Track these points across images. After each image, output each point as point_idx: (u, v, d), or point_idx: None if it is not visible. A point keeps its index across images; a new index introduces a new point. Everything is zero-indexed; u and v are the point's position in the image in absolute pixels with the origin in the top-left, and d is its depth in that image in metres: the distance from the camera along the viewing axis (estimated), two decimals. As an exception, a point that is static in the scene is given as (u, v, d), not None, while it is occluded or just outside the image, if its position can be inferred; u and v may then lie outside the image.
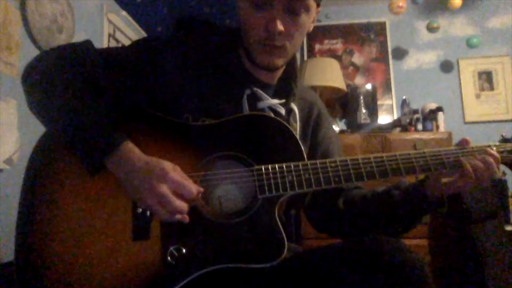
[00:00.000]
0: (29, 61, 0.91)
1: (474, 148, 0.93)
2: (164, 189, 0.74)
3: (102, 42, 2.75)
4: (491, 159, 0.89)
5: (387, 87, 3.58)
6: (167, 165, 0.76)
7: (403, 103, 3.36)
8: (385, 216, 0.97)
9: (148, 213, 0.81)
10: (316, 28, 3.62)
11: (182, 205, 0.75)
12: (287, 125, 0.89)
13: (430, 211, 0.96)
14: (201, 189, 0.80)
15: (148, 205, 0.75)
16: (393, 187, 0.98)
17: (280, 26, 0.85)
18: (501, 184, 2.73)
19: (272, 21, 0.85)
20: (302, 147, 0.88)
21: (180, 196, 0.76)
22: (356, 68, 3.65)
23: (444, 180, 0.91)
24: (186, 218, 0.77)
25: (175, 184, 0.75)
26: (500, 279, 2.25)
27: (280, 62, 0.92)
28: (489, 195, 2.48)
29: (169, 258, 0.79)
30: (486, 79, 3.50)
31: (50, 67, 0.88)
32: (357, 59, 3.66)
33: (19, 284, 0.78)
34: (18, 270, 0.79)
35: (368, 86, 3.28)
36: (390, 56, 3.63)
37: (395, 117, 3.47)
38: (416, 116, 3.19)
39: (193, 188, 0.77)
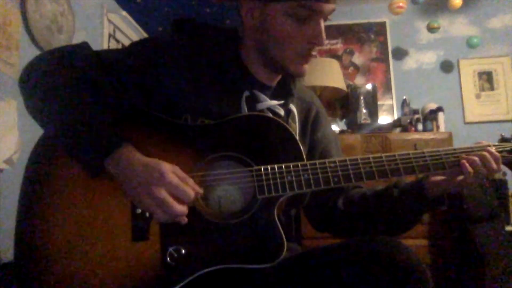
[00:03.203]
0: (27, 63, 0.91)
1: (474, 148, 0.93)
2: (162, 193, 0.74)
3: (102, 42, 2.75)
4: (487, 155, 0.89)
5: (387, 87, 3.58)
6: (166, 167, 0.76)
7: (403, 103, 3.36)
8: (384, 215, 0.97)
9: (147, 214, 0.81)
10: (316, 28, 3.61)
11: (181, 209, 0.75)
12: (286, 125, 0.89)
13: (429, 209, 0.96)
14: (200, 191, 0.80)
15: (146, 207, 0.76)
16: (392, 186, 0.98)
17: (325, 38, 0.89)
18: (501, 184, 2.74)
19: (320, 34, 0.88)
20: (301, 148, 0.88)
21: (179, 199, 0.75)
22: (356, 68, 3.65)
23: (443, 177, 0.92)
24: (185, 220, 0.77)
25: (173, 187, 0.75)
26: (500, 280, 2.25)
27: (308, 68, 0.95)
28: (489, 196, 2.47)
29: (168, 259, 0.79)
30: (487, 79, 3.50)
31: (48, 69, 0.88)
32: (357, 59, 3.66)
33: (18, 285, 0.78)
34: (17, 270, 0.79)
35: (368, 86, 3.28)
36: (390, 56, 3.63)
37: (395, 117, 3.47)
38: (416, 116, 3.18)
39: (191, 192, 0.76)
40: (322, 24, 0.89)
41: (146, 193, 0.74)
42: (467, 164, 0.88)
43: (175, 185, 0.75)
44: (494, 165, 0.89)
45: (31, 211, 0.81)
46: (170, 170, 0.76)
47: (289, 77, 1.01)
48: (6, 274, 1.33)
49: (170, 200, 0.74)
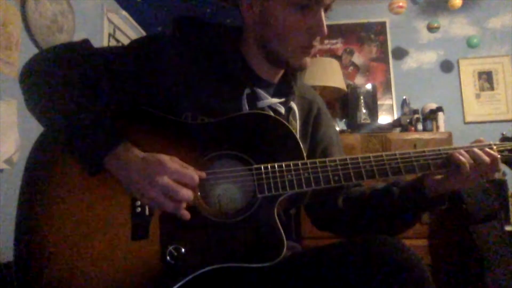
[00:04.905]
0: (27, 60, 0.91)
1: (474, 147, 0.92)
2: (165, 179, 0.74)
3: (102, 42, 2.75)
4: (480, 153, 0.87)
5: (387, 87, 3.58)
6: (164, 157, 0.77)
7: (403, 103, 3.37)
8: (384, 214, 0.97)
9: (147, 212, 0.81)
10: (316, 28, 3.61)
11: (187, 193, 0.75)
12: (287, 123, 0.88)
13: (429, 208, 0.95)
14: (204, 175, 0.80)
15: (152, 198, 0.75)
16: (392, 184, 0.98)
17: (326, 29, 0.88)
18: (501, 184, 2.74)
19: (321, 25, 0.88)
20: (302, 146, 0.88)
21: (183, 184, 0.75)
22: (356, 68, 3.65)
23: (442, 176, 0.91)
24: (188, 215, 0.77)
25: (175, 173, 0.75)
26: (500, 279, 2.25)
27: (310, 61, 0.94)
28: (489, 195, 2.47)
29: (168, 257, 0.78)
30: (486, 79, 3.50)
31: (48, 67, 0.88)
32: (357, 59, 3.66)
33: (18, 284, 0.78)
34: (17, 270, 0.79)
35: (368, 86, 3.28)
36: (390, 56, 3.63)
37: (395, 117, 3.47)
38: (416, 116, 3.19)
39: (194, 174, 0.77)
40: (323, 14, 0.88)
41: (149, 185, 0.74)
42: (460, 156, 0.86)
43: (176, 170, 0.75)
44: (486, 158, 0.87)
45: (30, 210, 0.81)
46: (169, 159, 0.77)
47: (291, 72, 1.00)
48: (6, 274, 1.33)
49: (174, 184, 0.74)
